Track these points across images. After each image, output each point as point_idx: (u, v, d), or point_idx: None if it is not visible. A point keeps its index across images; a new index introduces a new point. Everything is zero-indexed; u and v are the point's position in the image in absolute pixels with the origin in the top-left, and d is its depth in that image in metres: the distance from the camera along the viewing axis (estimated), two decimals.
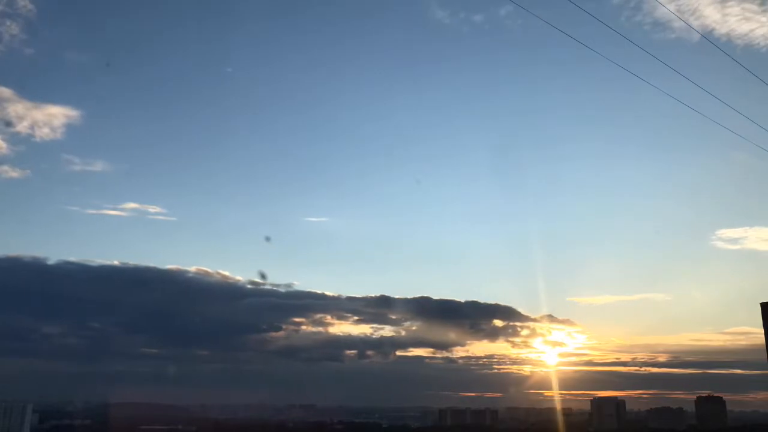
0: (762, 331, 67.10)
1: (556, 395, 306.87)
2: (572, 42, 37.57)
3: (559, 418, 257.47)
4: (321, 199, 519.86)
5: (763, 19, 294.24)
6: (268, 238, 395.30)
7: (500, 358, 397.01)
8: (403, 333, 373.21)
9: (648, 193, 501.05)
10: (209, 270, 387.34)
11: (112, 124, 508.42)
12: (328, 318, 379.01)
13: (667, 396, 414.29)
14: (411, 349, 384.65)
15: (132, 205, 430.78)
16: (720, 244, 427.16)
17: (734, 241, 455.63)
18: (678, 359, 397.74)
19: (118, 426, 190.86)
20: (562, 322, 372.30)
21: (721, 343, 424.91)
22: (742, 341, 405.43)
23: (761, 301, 68.29)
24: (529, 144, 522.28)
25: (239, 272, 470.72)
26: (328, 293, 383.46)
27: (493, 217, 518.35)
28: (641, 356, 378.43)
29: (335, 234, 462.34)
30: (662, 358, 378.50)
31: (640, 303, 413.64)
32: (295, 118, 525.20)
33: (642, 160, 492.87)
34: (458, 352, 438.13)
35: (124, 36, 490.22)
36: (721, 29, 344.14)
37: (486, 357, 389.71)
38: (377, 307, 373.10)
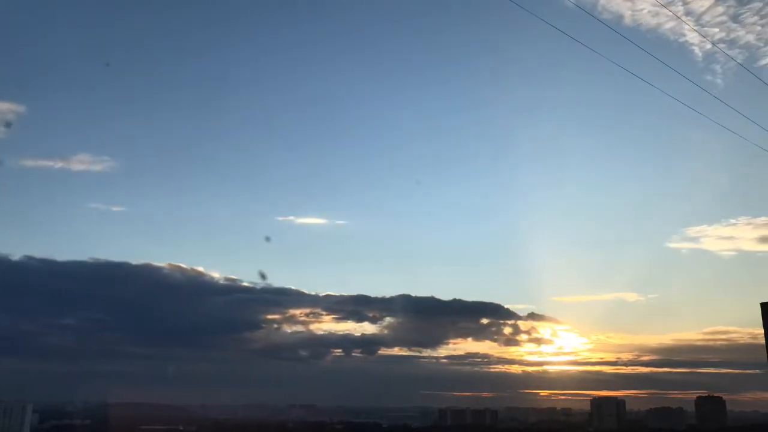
0: (762, 331, 67.05)
1: (555, 395, 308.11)
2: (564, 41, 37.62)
3: (560, 418, 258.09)
4: (296, 198, 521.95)
5: (670, 12, 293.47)
6: (268, 239, 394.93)
7: (491, 357, 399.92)
8: (387, 332, 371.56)
9: (610, 193, 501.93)
10: (183, 266, 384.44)
11: (75, 119, 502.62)
12: (308, 317, 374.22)
13: (666, 396, 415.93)
14: (397, 348, 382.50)
15: (95, 204, 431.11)
16: (684, 244, 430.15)
17: (695, 240, 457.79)
18: (668, 359, 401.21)
19: (117, 426, 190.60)
20: (549, 320, 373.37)
21: (703, 343, 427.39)
22: (723, 341, 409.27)
23: (761, 301, 68.35)
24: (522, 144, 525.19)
25: (214, 269, 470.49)
26: (307, 291, 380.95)
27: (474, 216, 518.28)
28: (626, 356, 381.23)
29: (311, 233, 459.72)
30: (647, 357, 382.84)
31: (613, 303, 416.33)
32: (274, 117, 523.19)
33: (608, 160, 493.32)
34: (448, 351, 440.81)
35: (85, 26, 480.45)
36: (629, 22, 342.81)
37: (477, 356, 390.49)
38: (358, 306, 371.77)
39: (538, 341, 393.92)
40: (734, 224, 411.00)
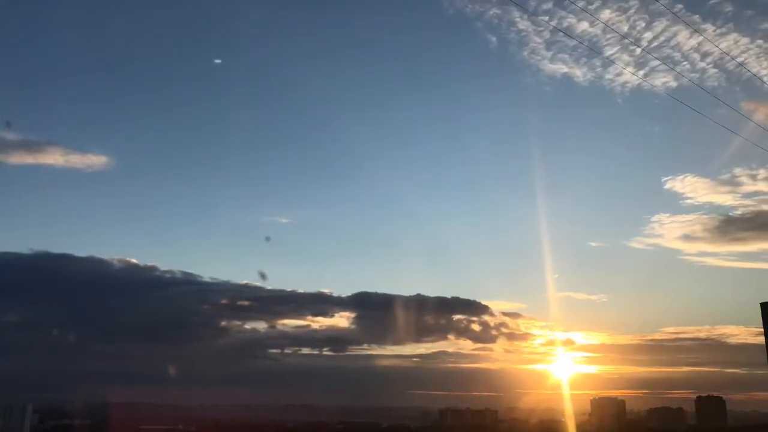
0: (762, 330, 67.46)
1: (555, 395, 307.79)
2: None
3: (560, 417, 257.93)
4: (256, 196, 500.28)
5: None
6: (268, 238, 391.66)
7: (476, 356, 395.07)
8: (362, 329, 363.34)
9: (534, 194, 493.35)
10: (136, 261, 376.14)
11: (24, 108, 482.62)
12: (271, 313, 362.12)
13: (665, 396, 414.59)
14: (366, 344, 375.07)
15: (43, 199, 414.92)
16: (608, 242, 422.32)
17: (625, 237, 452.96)
18: (657, 358, 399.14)
19: (117, 426, 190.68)
20: (529, 318, 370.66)
21: (671, 343, 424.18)
22: (690, 340, 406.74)
23: (761, 301, 68.81)
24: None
25: (170, 264, 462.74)
26: (270, 288, 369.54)
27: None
28: (614, 356, 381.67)
29: (277, 228, 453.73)
30: (632, 356, 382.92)
31: (568, 302, 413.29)
32: (235, 115, 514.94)
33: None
34: (428, 350, 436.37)
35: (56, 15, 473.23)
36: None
37: (470, 355, 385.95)
38: (320, 303, 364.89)
39: (524, 338, 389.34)
40: (657, 222, 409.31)
